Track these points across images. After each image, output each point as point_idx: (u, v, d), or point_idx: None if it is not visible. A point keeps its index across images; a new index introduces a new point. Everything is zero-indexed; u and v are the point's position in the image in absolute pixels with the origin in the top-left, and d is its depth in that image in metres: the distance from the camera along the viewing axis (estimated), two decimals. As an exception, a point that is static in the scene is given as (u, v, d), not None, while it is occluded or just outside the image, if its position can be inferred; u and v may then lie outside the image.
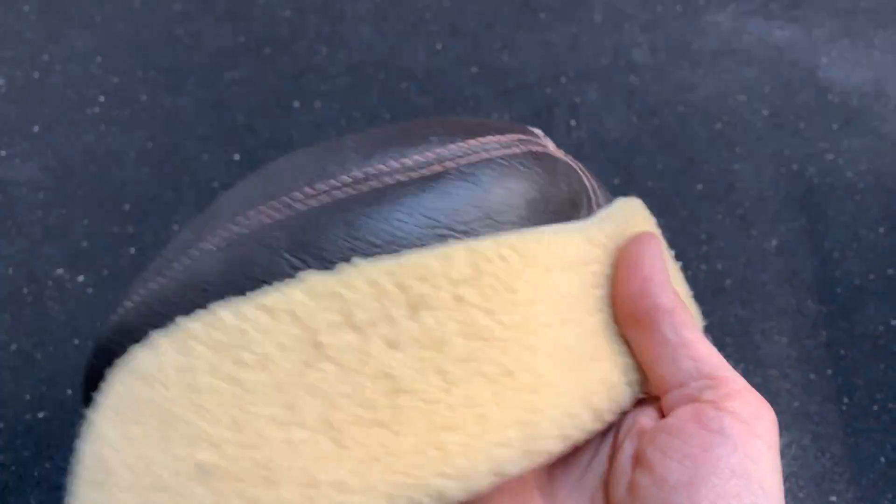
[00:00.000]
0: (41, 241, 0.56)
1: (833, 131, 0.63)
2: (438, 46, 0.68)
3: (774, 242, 0.56)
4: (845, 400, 0.49)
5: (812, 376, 0.50)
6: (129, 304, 0.23)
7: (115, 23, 0.69)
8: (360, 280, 0.20)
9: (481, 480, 0.20)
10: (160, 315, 0.21)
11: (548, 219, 0.22)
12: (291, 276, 0.20)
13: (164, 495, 0.19)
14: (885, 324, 0.52)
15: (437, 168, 0.21)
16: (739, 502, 0.21)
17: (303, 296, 0.20)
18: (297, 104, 0.64)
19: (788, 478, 0.47)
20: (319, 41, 0.68)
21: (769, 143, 0.62)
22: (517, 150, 0.23)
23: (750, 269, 0.54)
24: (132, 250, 0.56)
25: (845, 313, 0.53)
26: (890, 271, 0.55)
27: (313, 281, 0.20)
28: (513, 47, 0.68)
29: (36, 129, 0.62)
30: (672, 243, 0.33)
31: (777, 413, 0.49)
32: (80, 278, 0.54)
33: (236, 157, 0.61)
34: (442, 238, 0.21)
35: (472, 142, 0.22)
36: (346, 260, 0.20)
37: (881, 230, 0.57)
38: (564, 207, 0.24)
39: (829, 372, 0.50)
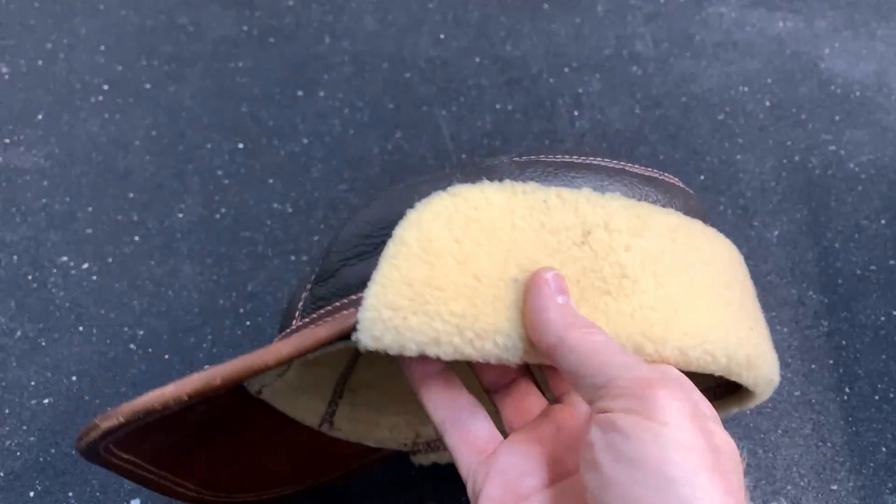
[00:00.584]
0: (45, 228, 0.56)
1: (835, 123, 0.63)
2: (442, 36, 0.68)
3: (776, 233, 0.57)
4: (846, 390, 0.50)
5: (813, 366, 0.51)
6: (417, 182, 0.32)
7: (118, 11, 0.69)
8: (602, 200, 0.30)
9: (669, 353, 0.28)
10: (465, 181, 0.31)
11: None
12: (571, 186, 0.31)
13: (481, 285, 0.28)
14: (887, 314, 0.53)
15: (631, 170, 0.34)
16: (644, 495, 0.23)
17: (583, 198, 0.30)
18: (300, 93, 0.64)
19: (789, 466, 0.47)
20: (323, 31, 0.68)
21: (771, 135, 0.62)
22: (661, 176, 0.35)
23: (752, 260, 0.54)
24: (136, 238, 0.56)
25: (847, 303, 0.53)
26: (891, 262, 0.55)
27: (589, 193, 0.31)
28: (516, 38, 0.68)
29: (40, 117, 0.62)
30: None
31: (778, 402, 0.49)
32: (85, 266, 0.54)
33: (240, 145, 0.61)
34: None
35: (651, 170, 0.34)
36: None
37: (882, 221, 0.57)
38: (696, 212, 0.36)
39: (831, 362, 0.51)
